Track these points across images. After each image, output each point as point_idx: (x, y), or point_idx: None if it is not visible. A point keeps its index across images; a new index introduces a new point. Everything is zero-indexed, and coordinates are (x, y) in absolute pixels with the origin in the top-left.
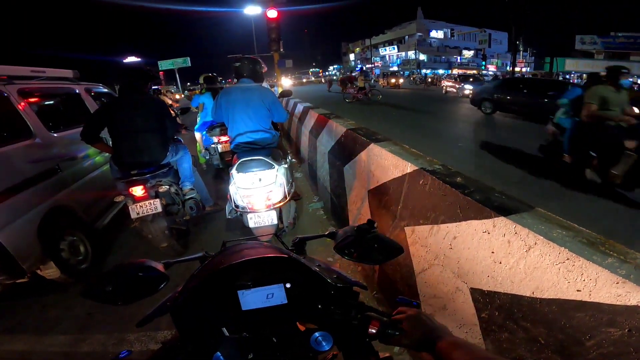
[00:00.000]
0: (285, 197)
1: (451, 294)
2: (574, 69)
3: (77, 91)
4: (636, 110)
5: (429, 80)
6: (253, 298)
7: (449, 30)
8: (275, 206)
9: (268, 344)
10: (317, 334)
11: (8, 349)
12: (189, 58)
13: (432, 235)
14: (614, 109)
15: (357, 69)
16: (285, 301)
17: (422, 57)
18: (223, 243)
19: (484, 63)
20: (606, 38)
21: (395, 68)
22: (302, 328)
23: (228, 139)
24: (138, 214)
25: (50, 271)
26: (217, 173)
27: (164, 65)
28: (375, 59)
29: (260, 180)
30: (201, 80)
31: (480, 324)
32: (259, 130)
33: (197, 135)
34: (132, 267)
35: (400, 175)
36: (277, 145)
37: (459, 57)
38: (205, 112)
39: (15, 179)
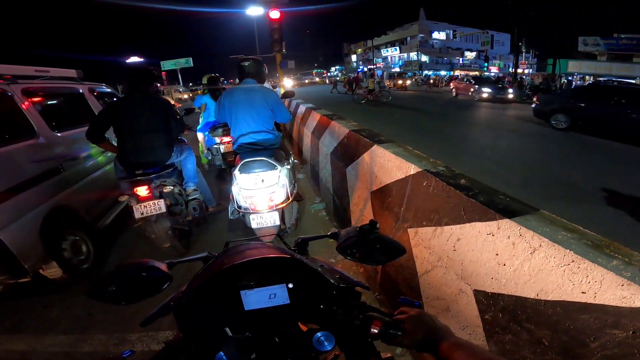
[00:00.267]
0: (287, 198)
1: (454, 296)
2: (577, 70)
3: (81, 91)
4: None
5: (431, 81)
6: (256, 298)
7: (452, 31)
8: (278, 207)
9: (270, 344)
10: (319, 334)
11: (8, 348)
12: (191, 58)
13: (435, 237)
14: None
15: (359, 70)
16: (288, 301)
17: (424, 58)
18: (226, 243)
19: (486, 64)
20: (609, 40)
21: (397, 69)
22: (304, 328)
23: (230, 139)
24: (142, 214)
25: (53, 271)
26: (219, 173)
27: (167, 65)
28: (377, 60)
29: (263, 181)
30: (204, 81)
31: (483, 325)
32: (262, 131)
33: (200, 135)
34: (135, 267)
35: (404, 176)
36: (280, 146)
37: (461, 59)
38: (207, 112)
39: (18, 178)
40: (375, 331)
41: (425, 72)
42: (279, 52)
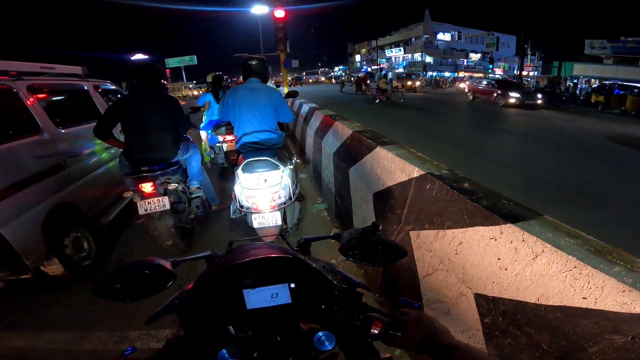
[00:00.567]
0: (290, 198)
1: (455, 299)
2: (583, 73)
3: (86, 88)
4: None
5: (434, 82)
6: (258, 297)
7: (456, 32)
8: (280, 207)
9: (272, 343)
10: (320, 334)
11: (8, 345)
12: (195, 56)
13: (437, 240)
14: None
15: (363, 70)
16: (290, 301)
17: (429, 59)
18: (230, 243)
19: (490, 66)
20: (616, 43)
21: (401, 70)
22: (304, 328)
23: (233, 138)
24: (146, 210)
25: (54, 267)
26: (222, 172)
27: (171, 62)
28: (381, 60)
29: (265, 181)
30: (209, 79)
31: (483, 329)
32: (265, 130)
33: (203, 133)
34: (140, 265)
35: (407, 179)
36: (283, 146)
37: (465, 60)
38: (211, 110)
39: (21, 174)
40: (376, 332)
41: (429, 73)
42: (283, 51)
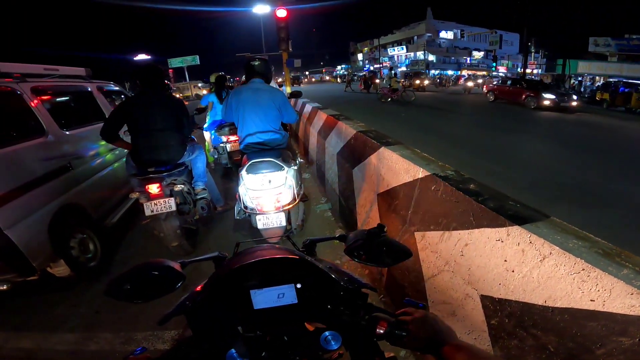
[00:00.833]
0: (294, 199)
1: (461, 301)
2: (587, 71)
3: (89, 89)
4: None
5: (437, 80)
6: (265, 297)
7: (459, 31)
8: (285, 208)
9: (279, 343)
10: (327, 333)
11: (15, 346)
12: (198, 56)
13: (443, 241)
14: None
15: (365, 68)
16: (296, 301)
17: (431, 57)
18: (237, 244)
19: (494, 64)
20: (620, 40)
21: (403, 68)
22: (310, 328)
23: (237, 138)
24: (152, 211)
25: (60, 269)
26: (225, 172)
27: (174, 63)
28: (383, 59)
29: (270, 182)
30: (212, 79)
31: (489, 330)
32: (269, 130)
33: (206, 134)
34: (150, 267)
35: (412, 180)
36: (287, 146)
37: (468, 58)
38: (214, 111)
39: (27, 177)
40: (381, 332)
41: (432, 71)
42: (286, 50)
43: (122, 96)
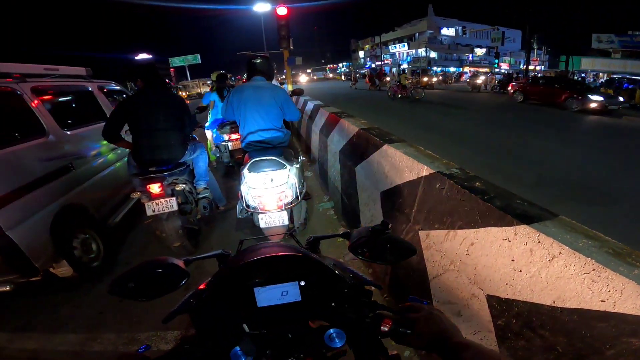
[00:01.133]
0: (296, 197)
1: (466, 300)
2: (590, 67)
3: (90, 89)
4: None
5: (440, 77)
6: (268, 295)
7: (461, 27)
8: (287, 207)
9: (283, 340)
10: (331, 331)
11: (19, 347)
12: (199, 55)
13: (448, 240)
14: None
15: (366, 66)
16: (300, 298)
17: (433, 54)
18: (240, 242)
19: (496, 61)
20: (624, 37)
21: (405, 65)
22: (314, 325)
23: (239, 136)
24: (154, 211)
25: (63, 269)
26: (227, 171)
27: (175, 62)
28: (385, 56)
29: (272, 180)
30: (213, 78)
31: (495, 331)
32: (271, 129)
33: (208, 132)
34: (154, 265)
35: (416, 178)
36: (289, 144)
37: (470, 55)
38: (215, 109)
39: (28, 177)
40: (385, 329)
41: (434, 68)
42: (286, 48)
43: (124, 95)
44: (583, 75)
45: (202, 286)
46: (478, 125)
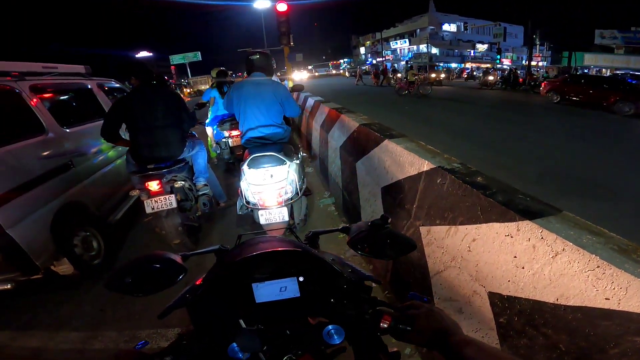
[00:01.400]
0: (297, 193)
1: (468, 297)
2: (593, 63)
3: (90, 86)
4: None
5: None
6: (267, 291)
7: (462, 23)
8: (287, 203)
9: (281, 336)
10: (330, 327)
11: (22, 345)
12: (199, 52)
13: (449, 236)
14: None
15: (367, 62)
16: (298, 294)
17: (434, 50)
18: (238, 236)
19: (498, 57)
20: (627, 33)
21: (405, 62)
22: (313, 321)
23: (239, 133)
24: (153, 209)
25: (64, 267)
26: (228, 167)
27: (175, 59)
28: (386, 52)
29: (271, 176)
30: (213, 74)
31: (497, 328)
32: (271, 125)
33: (209, 129)
34: (151, 259)
35: (416, 173)
36: (289, 140)
37: (472, 51)
38: (216, 106)
39: (27, 175)
40: (385, 326)
41: (440, 64)
42: (287, 45)
43: (125, 93)
44: (586, 70)
45: (199, 281)
46: (521, 132)
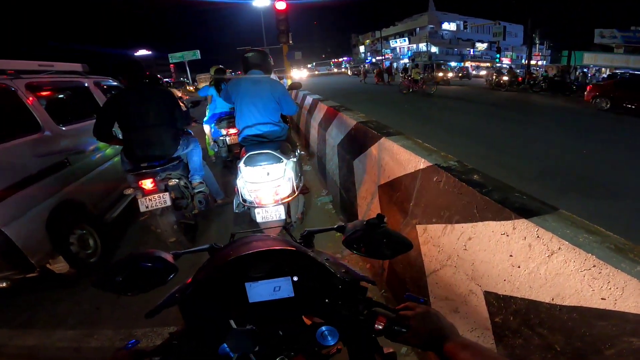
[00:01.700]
0: (293, 191)
1: (464, 297)
2: (593, 63)
3: (86, 85)
4: None
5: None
6: (260, 290)
7: (462, 22)
8: (284, 201)
9: (274, 337)
10: (323, 328)
11: (18, 344)
12: (198, 51)
13: (445, 235)
14: None
15: (367, 61)
16: (292, 294)
17: (434, 49)
18: (232, 235)
19: (498, 56)
20: (626, 32)
21: (406, 60)
22: (307, 322)
23: (236, 131)
24: (147, 207)
25: (60, 265)
26: (226, 165)
27: (174, 58)
28: (385, 51)
29: (268, 174)
30: (212, 72)
31: (493, 328)
32: (268, 122)
33: (206, 127)
34: (141, 258)
35: (413, 171)
36: (287, 138)
37: (472, 50)
38: (213, 104)
39: (23, 173)
40: (380, 327)
41: (451, 63)
42: (286, 43)
43: (114, 92)
44: (585, 70)
45: (189, 280)
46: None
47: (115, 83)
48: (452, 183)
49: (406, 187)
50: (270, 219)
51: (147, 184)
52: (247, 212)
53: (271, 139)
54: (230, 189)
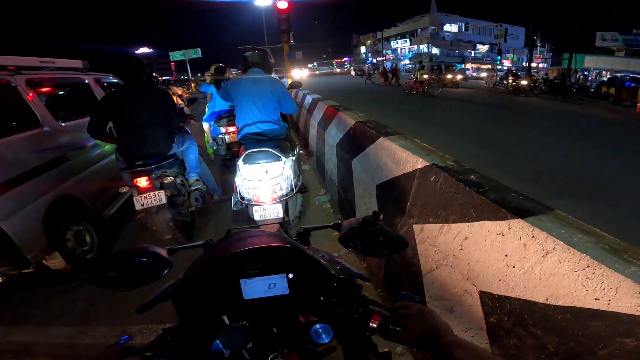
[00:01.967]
0: (291, 190)
1: (459, 296)
2: (594, 65)
3: (86, 81)
4: None
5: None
6: (255, 287)
7: (463, 24)
8: (282, 199)
9: (268, 334)
10: (317, 326)
11: (13, 340)
12: (199, 49)
13: (441, 234)
14: None
15: (367, 61)
16: (287, 292)
17: (435, 50)
18: (228, 231)
19: (499, 58)
20: (628, 35)
21: (407, 61)
22: (302, 319)
23: (235, 129)
24: (142, 205)
25: (56, 261)
26: (225, 163)
27: (175, 56)
28: (386, 51)
29: (266, 172)
30: (212, 70)
31: (487, 328)
32: (267, 121)
33: (205, 125)
34: (136, 253)
35: (411, 170)
36: (286, 137)
37: (473, 52)
38: (213, 102)
39: (21, 168)
40: (374, 326)
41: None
42: (287, 42)
43: (111, 90)
44: (586, 73)
45: (181, 276)
46: None
47: (115, 80)
48: (449, 183)
49: (404, 187)
50: (268, 217)
51: (142, 182)
52: (245, 209)
53: (270, 137)
54: (228, 187)
